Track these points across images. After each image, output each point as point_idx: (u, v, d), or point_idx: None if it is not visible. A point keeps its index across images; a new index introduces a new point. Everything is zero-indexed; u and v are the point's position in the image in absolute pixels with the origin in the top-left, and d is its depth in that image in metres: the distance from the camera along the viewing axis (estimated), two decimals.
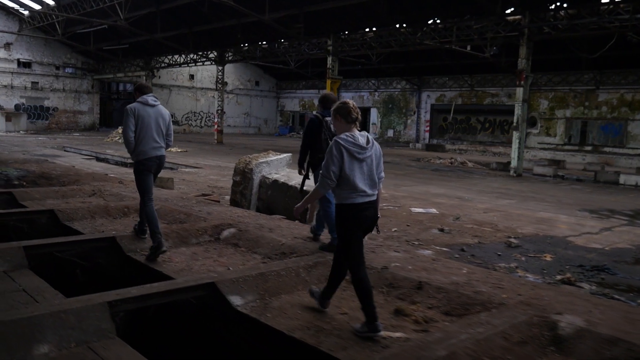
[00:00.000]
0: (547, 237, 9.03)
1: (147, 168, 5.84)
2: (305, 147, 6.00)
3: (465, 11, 22.77)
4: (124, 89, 46.85)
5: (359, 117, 4.00)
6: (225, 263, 5.46)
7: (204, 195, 10.63)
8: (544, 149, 34.66)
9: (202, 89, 45.82)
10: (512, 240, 8.43)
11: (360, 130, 4.00)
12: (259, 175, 8.95)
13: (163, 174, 15.18)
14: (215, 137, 31.65)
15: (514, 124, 19.46)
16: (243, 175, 8.92)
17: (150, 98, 5.92)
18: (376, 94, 45.10)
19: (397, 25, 23.71)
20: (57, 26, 31.11)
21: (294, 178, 8.68)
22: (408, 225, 9.49)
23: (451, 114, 40.21)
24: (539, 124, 36.63)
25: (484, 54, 25.76)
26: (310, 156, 5.97)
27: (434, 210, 11.11)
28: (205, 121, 46.46)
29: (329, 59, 24.97)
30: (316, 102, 49.95)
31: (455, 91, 40.43)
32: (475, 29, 23.01)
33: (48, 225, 6.97)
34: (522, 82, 18.86)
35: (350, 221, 3.91)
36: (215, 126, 32.04)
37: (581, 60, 32.28)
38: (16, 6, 33.77)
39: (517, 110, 19.16)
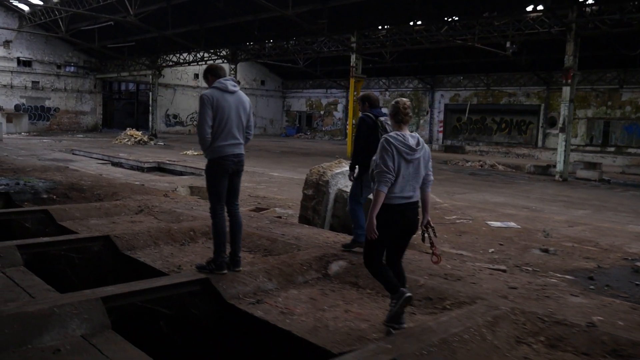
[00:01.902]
0: None
1: (222, 169, 4.67)
2: (360, 149, 5.63)
3: (487, 7, 21.78)
4: (126, 89, 45.38)
5: (410, 117, 4.02)
6: (362, 315, 4.17)
7: (259, 209, 9.32)
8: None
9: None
10: (639, 265, 7.18)
11: (411, 132, 3.96)
12: (335, 189, 7.65)
13: (196, 181, 13.93)
14: None
15: (560, 125, 18.29)
16: (317, 189, 7.63)
17: (229, 83, 4.69)
18: (387, 93, 43.85)
19: (415, 23, 22.64)
20: (60, 23, 29.64)
21: None
22: (501, 245, 8.23)
23: (466, 114, 39.03)
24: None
25: (505, 52, 24.70)
26: (365, 158, 5.24)
27: (513, 224, 9.87)
28: None
29: (353, 57, 23.70)
30: (324, 101, 48.81)
31: (471, 90, 39.27)
32: (496, 26, 21.92)
33: (105, 255, 5.66)
34: (569, 81, 17.68)
35: (382, 221, 3.80)
36: None
37: (602, 59, 31.25)
38: (16, 2, 32.25)
39: (564, 111, 17.99)
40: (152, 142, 28.00)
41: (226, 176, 4.65)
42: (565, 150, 18.09)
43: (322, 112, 48.69)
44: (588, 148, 33.49)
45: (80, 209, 7.43)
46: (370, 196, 4.75)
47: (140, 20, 24.92)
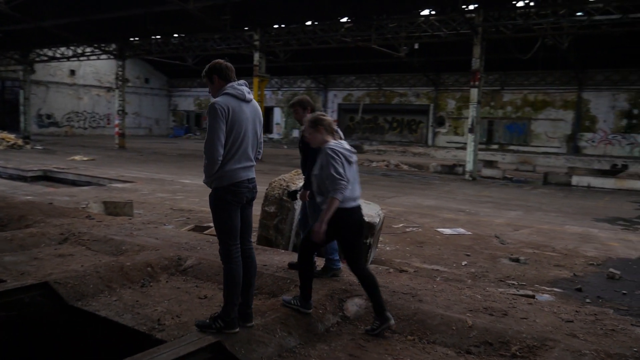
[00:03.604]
0: (624, 262, 7.87)
1: (236, 198, 3.67)
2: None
3: (383, 9, 21.95)
4: None
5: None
6: None
7: (199, 228, 8.12)
8: (455, 147, 34.96)
9: (85, 86, 40.68)
10: (614, 271, 7.10)
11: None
12: (300, 203, 6.74)
13: (100, 193, 12.21)
14: (117, 141, 27.73)
15: (470, 126, 18.71)
16: (280, 205, 6.67)
17: (245, 89, 3.70)
18: (279, 92, 43.21)
19: (309, 23, 22.22)
20: None
21: None
22: (468, 255, 7.85)
23: (359, 114, 39.49)
24: (447, 124, 37.11)
25: (399, 53, 25.09)
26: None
27: (463, 230, 9.61)
28: (90, 122, 41.36)
29: (256, 55, 22.66)
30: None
31: (363, 90, 39.82)
32: (391, 28, 22.14)
33: (47, 310, 4.32)
34: (477, 83, 18.13)
35: (357, 225, 4.03)
36: (117, 129, 28.08)
37: (486, 62, 33.08)
38: None
39: (472, 112, 18.42)
40: (28, 146, 24.83)
41: (238, 208, 3.62)
42: (474, 151, 18.54)
43: None
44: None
45: None
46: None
47: (12, 8, 21.87)
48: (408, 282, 4.95)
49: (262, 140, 3.87)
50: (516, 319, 4.05)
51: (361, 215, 4.11)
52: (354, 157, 4.07)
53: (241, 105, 3.59)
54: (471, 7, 18.45)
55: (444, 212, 11.68)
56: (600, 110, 31.53)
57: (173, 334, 3.80)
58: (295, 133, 42.52)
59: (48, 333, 4.31)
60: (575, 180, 17.97)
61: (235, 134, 3.52)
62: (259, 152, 3.83)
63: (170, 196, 12.29)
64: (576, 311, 4.29)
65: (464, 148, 34.85)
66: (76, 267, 5.08)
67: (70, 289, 4.47)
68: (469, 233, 9.43)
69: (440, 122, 37.37)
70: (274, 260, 5.53)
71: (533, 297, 4.95)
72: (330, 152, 3.92)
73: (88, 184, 15.03)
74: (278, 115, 43.41)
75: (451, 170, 20.90)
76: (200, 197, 12.24)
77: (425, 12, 21.35)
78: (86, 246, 6.07)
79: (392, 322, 3.93)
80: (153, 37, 26.04)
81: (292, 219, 6.85)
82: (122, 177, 15.43)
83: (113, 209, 9.86)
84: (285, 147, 37.23)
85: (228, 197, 3.56)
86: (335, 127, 4.24)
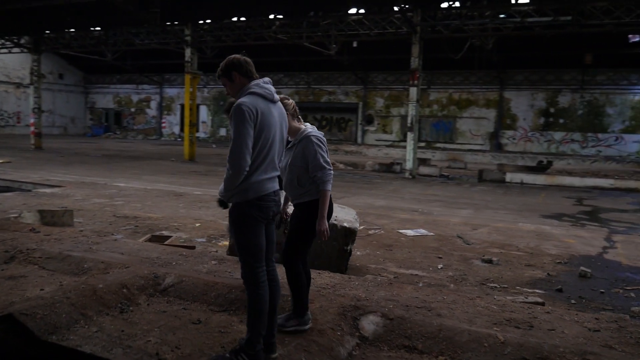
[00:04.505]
0: (587, 259, 8.05)
1: (263, 214, 3.22)
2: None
3: (316, 7, 21.80)
4: None
5: None
6: None
7: (157, 238, 7.43)
8: (385, 145, 35.43)
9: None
10: (585, 269, 7.18)
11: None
12: None
13: (28, 200, 11.07)
14: (33, 142, 25.68)
15: (409, 125, 18.83)
16: None
17: (272, 87, 3.29)
18: (205, 90, 41.96)
19: (243, 18, 21.63)
20: None
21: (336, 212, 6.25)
22: (440, 258, 7.72)
23: None
24: (376, 122, 37.56)
25: (329, 51, 25.02)
26: None
27: (425, 232, 9.51)
28: None
29: (188, 51, 21.70)
30: (135, 98, 44.82)
31: (292, 88, 39.49)
32: (321, 26, 22.02)
33: (18, 348, 3.64)
34: (416, 82, 18.28)
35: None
36: (32, 128, 25.99)
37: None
38: None
39: (411, 111, 18.56)
40: None
41: (263, 224, 3.15)
42: (414, 149, 18.70)
43: (133, 110, 44.78)
44: (402, 144, 35.89)
45: None
46: None
47: None
48: (415, 293, 4.66)
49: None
50: (544, 331, 3.86)
51: (331, 207, 3.95)
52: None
53: (269, 107, 3.14)
54: (400, 7, 18.67)
55: (398, 212, 11.58)
56: (520, 109, 33.07)
57: None
58: (223, 132, 41.52)
59: None
60: (509, 177, 18.58)
61: (264, 140, 3.06)
62: (280, 159, 3.39)
63: (108, 201, 11.37)
64: (596, 319, 4.18)
65: (393, 146, 35.64)
66: (39, 293, 4.38)
67: (40, 320, 3.80)
68: (432, 234, 9.34)
69: (369, 121, 37.77)
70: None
71: (543, 304, 4.82)
72: (315, 141, 3.73)
73: (8, 189, 13.63)
74: (204, 113, 42.16)
75: (389, 169, 21.02)
76: (142, 202, 11.43)
77: (359, 10, 21.47)
78: (39, 265, 5.32)
79: (308, 327, 3.79)
80: (72, 29, 24.29)
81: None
82: (47, 181, 14.17)
83: (50, 218, 8.89)
84: (214, 146, 36.21)
85: (254, 213, 3.09)
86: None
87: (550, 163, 22.94)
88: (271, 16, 22.04)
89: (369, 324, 3.99)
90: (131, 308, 4.34)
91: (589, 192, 16.78)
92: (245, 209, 3.10)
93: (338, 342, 3.68)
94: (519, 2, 18.05)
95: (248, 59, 3.28)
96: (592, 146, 30.92)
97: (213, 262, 5.41)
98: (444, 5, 18.47)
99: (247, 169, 3.02)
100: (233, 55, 3.29)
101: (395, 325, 3.93)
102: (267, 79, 3.30)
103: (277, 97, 3.29)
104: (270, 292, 3.25)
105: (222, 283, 4.72)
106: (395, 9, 17.99)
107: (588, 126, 31.17)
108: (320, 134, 3.89)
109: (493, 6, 17.81)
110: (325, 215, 3.71)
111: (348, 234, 6.26)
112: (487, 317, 4.09)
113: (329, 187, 3.71)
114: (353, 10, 21.77)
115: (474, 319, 4.04)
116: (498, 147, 33.10)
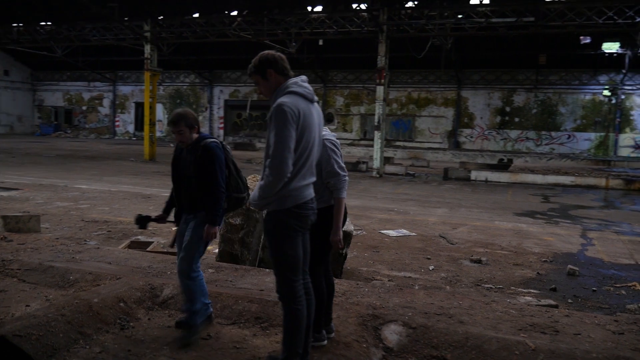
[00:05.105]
0: (570, 256, 8.14)
1: (301, 224, 2.99)
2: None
3: (276, 4, 21.60)
4: None
5: None
6: None
7: (137, 244, 7.02)
8: (346, 144, 35.39)
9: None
10: (573, 267, 7.23)
11: None
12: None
13: None
14: None
15: (376, 124, 18.80)
16: (246, 216, 5.89)
17: (309, 86, 3.04)
18: (161, 88, 40.84)
19: (204, 15, 21.16)
20: None
21: None
22: (429, 259, 7.64)
23: (247, 110, 38.61)
24: (336, 120, 37.48)
25: (289, 49, 24.82)
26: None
27: (406, 232, 9.43)
28: None
29: (147, 47, 20.99)
30: (86, 95, 43.19)
31: (251, 87, 38.87)
32: (282, 24, 21.82)
33: None
34: (382, 80, 18.26)
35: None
36: None
37: (371, 60, 33.88)
38: None
39: (378, 109, 18.53)
40: None
41: (300, 235, 2.91)
42: (381, 148, 18.68)
43: (84, 108, 43.19)
44: (363, 142, 36.01)
45: None
46: None
47: None
48: (428, 299, 4.51)
49: None
50: (571, 336, 3.78)
51: None
52: None
53: (310, 108, 2.90)
54: (363, 6, 18.70)
55: (375, 212, 11.48)
56: (477, 108, 33.68)
57: None
58: None
59: None
60: (474, 175, 18.82)
61: (305, 143, 2.83)
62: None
63: (73, 205, 10.79)
64: (615, 320, 4.13)
65: (354, 144, 35.67)
66: (29, 311, 4.00)
67: (36, 342, 3.45)
68: (414, 234, 9.27)
69: (329, 119, 37.50)
70: (266, 282, 4.80)
71: (557, 306, 4.76)
72: (329, 145, 3.45)
73: None
74: (160, 111, 41.06)
75: (355, 167, 20.94)
76: (110, 205, 10.91)
77: (324, 8, 21.33)
78: (18, 278, 4.90)
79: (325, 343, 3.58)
80: (21, 24, 23.11)
81: (260, 231, 6.13)
82: (2, 184, 13.38)
83: (15, 224, 8.29)
84: (172, 145, 35.26)
85: (292, 222, 2.85)
86: None
87: (510, 161, 23.43)
88: (233, 13, 21.68)
89: (392, 333, 3.82)
90: (131, 324, 4.02)
91: (552, 189, 17.19)
92: (283, 218, 2.86)
93: (365, 355, 3.48)
94: (481, 2, 18.32)
95: (283, 55, 3.04)
96: (546, 144, 31.81)
97: (210, 270, 5.12)
98: (409, 4, 18.54)
99: (289, 174, 2.77)
100: (267, 51, 3.04)
101: (420, 335, 3.77)
102: (304, 77, 3.06)
103: (316, 97, 3.07)
104: (306, 306, 3.02)
105: (226, 294, 4.44)
106: (363, 7, 17.88)
107: (542, 125, 32.04)
108: (333, 136, 3.64)
109: (453, 6, 18.02)
110: (341, 224, 3.51)
111: (344, 237, 6.07)
112: (510, 323, 3.98)
113: (344, 194, 3.50)
114: (318, 8, 21.65)
115: (498, 325, 3.92)
116: (456, 145, 33.63)
